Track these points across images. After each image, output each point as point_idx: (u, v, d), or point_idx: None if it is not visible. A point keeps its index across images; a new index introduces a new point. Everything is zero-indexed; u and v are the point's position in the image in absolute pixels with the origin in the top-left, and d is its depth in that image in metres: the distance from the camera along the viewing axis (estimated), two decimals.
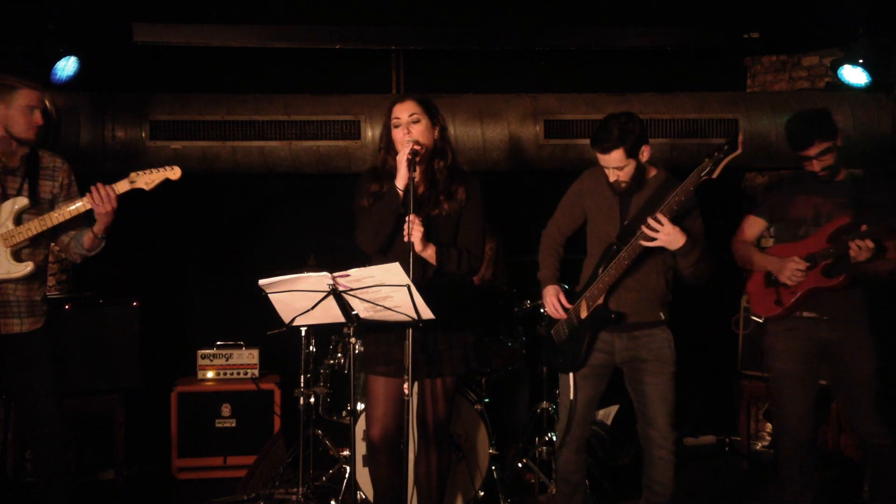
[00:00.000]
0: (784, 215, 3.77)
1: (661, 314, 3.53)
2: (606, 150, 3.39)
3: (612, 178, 3.46)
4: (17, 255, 3.40)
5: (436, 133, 3.34)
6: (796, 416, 3.70)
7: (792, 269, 3.61)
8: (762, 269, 3.76)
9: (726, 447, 5.30)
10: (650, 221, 3.29)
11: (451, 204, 3.34)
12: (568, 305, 3.57)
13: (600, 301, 3.48)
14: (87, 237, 3.46)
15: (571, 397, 3.56)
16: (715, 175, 3.26)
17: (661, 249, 3.36)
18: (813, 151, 3.60)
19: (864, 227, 3.47)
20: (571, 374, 3.56)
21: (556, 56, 5.34)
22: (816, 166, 3.62)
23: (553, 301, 3.59)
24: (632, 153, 3.38)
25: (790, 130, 3.71)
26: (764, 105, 5.09)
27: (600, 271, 3.48)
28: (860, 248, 3.43)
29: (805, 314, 3.67)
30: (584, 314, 3.53)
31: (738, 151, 3.24)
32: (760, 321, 3.84)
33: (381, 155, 3.40)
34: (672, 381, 3.48)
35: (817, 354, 3.69)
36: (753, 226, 3.92)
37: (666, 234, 3.28)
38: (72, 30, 4.52)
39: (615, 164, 3.41)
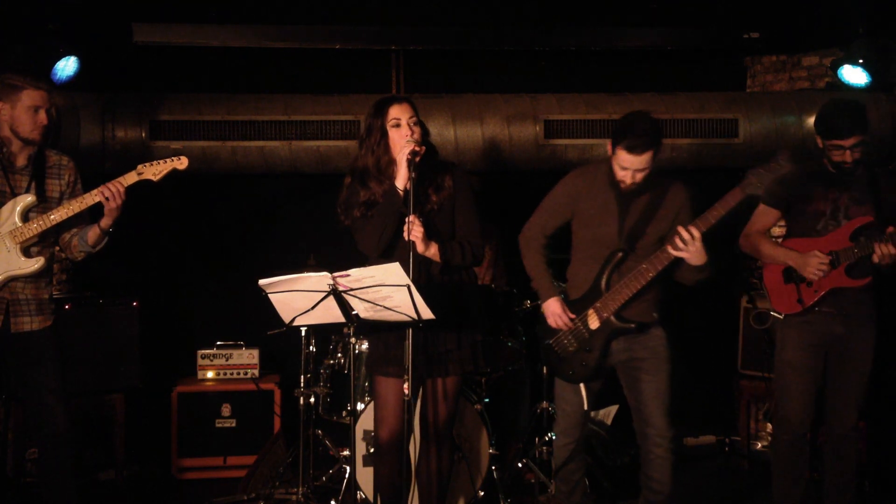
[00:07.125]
0: (802, 208, 3.70)
1: (655, 314, 3.52)
2: (640, 151, 3.25)
3: (628, 181, 3.33)
4: (27, 252, 3.43)
5: (424, 136, 3.36)
6: (798, 409, 3.69)
7: (816, 265, 3.56)
8: (782, 262, 3.70)
9: (726, 447, 5.30)
10: (682, 232, 3.22)
11: (441, 194, 3.33)
12: (572, 316, 3.52)
13: (614, 312, 3.43)
14: (91, 232, 3.47)
15: (585, 407, 3.54)
16: (761, 192, 3.27)
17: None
18: (850, 142, 3.53)
19: (890, 229, 3.46)
20: (582, 385, 3.53)
21: (556, 56, 5.33)
22: (848, 157, 3.55)
23: (559, 314, 3.52)
24: (657, 154, 3.31)
25: (827, 118, 3.62)
26: (764, 105, 5.08)
27: (604, 280, 3.43)
28: (885, 255, 3.44)
29: (823, 309, 3.65)
30: (594, 325, 3.48)
31: (787, 169, 3.24)
32: (780, 317, 3.77)
33: (375, 155, 3.30)
34: (669, 378, 3.47)
35: (826, 348, 3.69)
36: (767, 217, 3.82)
37: (695, 250, 3.23)
38: (72, 30, 4.52)
39: (643, 166, 3.28)
